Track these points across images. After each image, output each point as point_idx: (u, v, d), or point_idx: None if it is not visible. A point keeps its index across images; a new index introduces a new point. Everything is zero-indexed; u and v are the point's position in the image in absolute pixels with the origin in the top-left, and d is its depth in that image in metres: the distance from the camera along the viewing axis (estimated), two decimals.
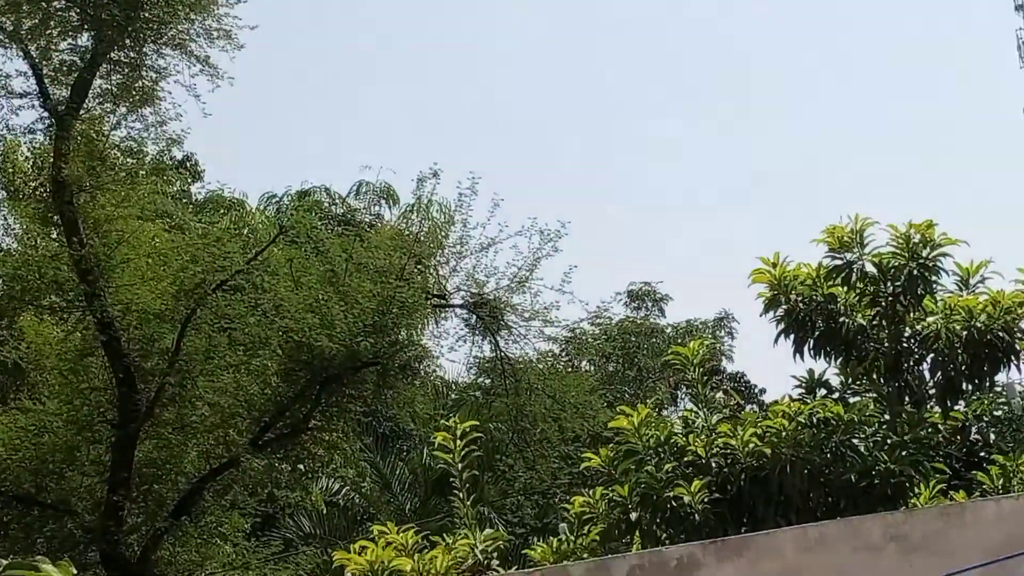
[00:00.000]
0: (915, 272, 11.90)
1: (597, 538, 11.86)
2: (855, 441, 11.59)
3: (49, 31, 23.36)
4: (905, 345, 12.16)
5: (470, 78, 63.50)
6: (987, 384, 12.14)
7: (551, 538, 12.57)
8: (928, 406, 12.31)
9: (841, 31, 66.46)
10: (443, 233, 27.33)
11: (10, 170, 27.02)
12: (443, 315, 28.81)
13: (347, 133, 60.10)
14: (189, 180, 35.47)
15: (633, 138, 63.91)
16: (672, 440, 11.85)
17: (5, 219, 30.67)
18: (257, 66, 55.89)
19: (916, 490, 11.33)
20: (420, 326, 28.15)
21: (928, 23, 65.18)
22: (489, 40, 63.67)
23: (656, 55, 66.22)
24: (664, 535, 11.40)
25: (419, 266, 26.60)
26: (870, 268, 12.10)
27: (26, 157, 26.94)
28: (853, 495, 11.33)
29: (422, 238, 27.30)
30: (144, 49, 23.27)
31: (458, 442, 12.13)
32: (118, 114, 24.10)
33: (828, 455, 11.49)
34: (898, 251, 11.98)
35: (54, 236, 25.83)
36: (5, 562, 5.42)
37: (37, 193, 25.63)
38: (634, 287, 47.34)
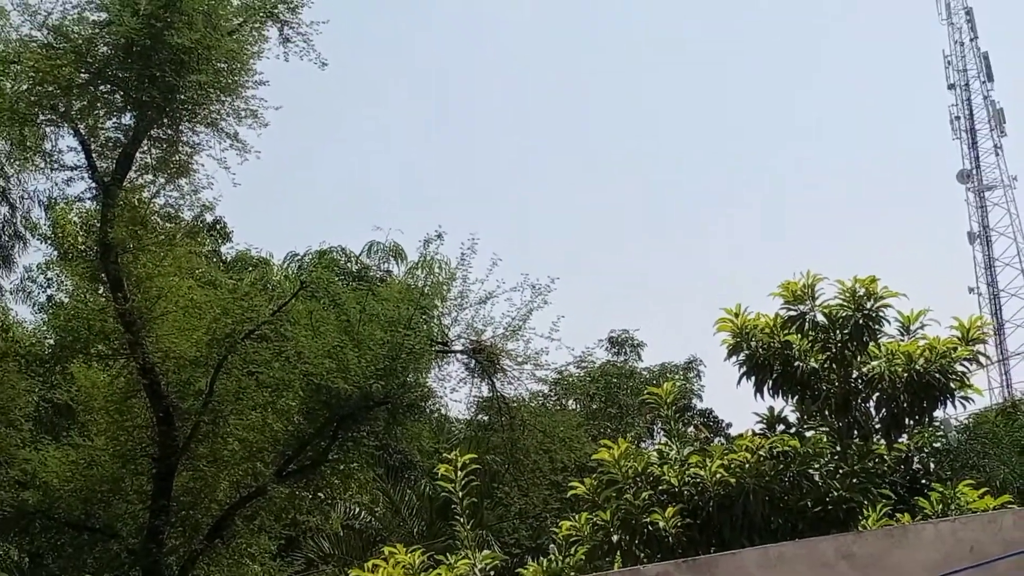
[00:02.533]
0: (860, 321, 11.90)
1: (583, 558, 11.81)
2: (810, 471, 11.57)
3: (96, 111, 23.48)
4: (853, 385, 12.13)
5: (469, 146, 63.71)
6: (926, 420, 12.11)
7: (542, 558, 12.54)
8: (875, 439, 12.30)
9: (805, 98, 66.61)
10: (446, 287, 27.35)
11: (61, 234, 27.08)
12: (446, 360, 28.74)
13: (361, 198, 60.30)
14: (219, 241, 35.51)
15: (610, 201, 64.05)
16: (649, 471, 11.82)
17: (58, 277, 30.75)
18: (281, 139, 56.13)
19: (865, 514, 11.33)
20: (425, 370, 28.11)
21: (869, 102, 65.64)
22: (483, 112, 63.82)
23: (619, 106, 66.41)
24: (642, 555, 11.37)
25: (424, 316, 26.61)
26: (821, 318, 12.10)
27: (75, 222, 27.00)
28: (809, 519, 11.31)
29: (427, 291, 27.31)
30: (180, 127, 23.36)
31: (459, 472, 12.11)
32: (157, 184, 24.22)
33: (787, 484, 11.47)
34: (845, 303, 12.00)
35: (101, 292, 25.86)
36: None
37: (85, 254, 25.69)
38: (614, 334, 47.31)
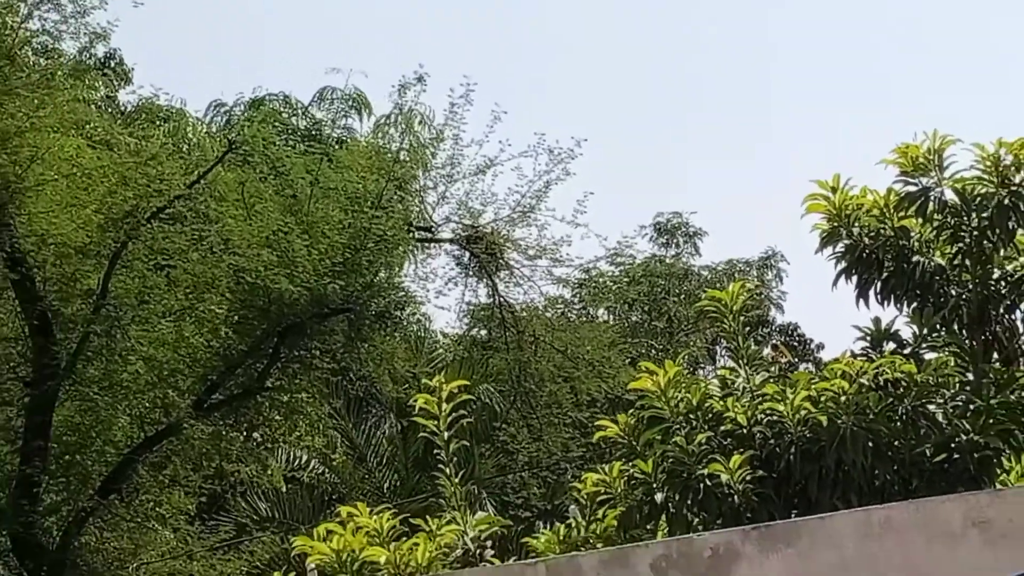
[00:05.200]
0: (1006, 201, 11.84)
1: (614, 523, 11.87)
2: (931, 407, 11.57)
3: None
4: (993, 289, 12.14)
5: None
6: None
7: (558, 524, 12.60)
8: (1021, 364, 12.31)
9: None
10: (429, 151, 27.34)
11: None
12: (429, 252, 28.84)
13: (311, 28, 59.92)
14: (116, 84, 35.36)
15: (662, 36, 63.67)
16: (707, 405, 11.82)
17: None
18: None
19: (1006, 466, 11.35)
20: (401, 265, 28.19)
21: None
22: None
23: None
24: (696, 520, 11.42)
25: (399, 191, 26.63)
26: (951, 196, 12.07)
27: None
28: (928, 472, 11.33)
29: (403, 157, 27.29)
30: None
31: (445, 406, 12.13)
32: (29, 2, 24.05)
33: (897, 424, 11.48)
34: (985, 175, 11.95)
35: None
36: None
37: None
38: (662, 219, 47.34)
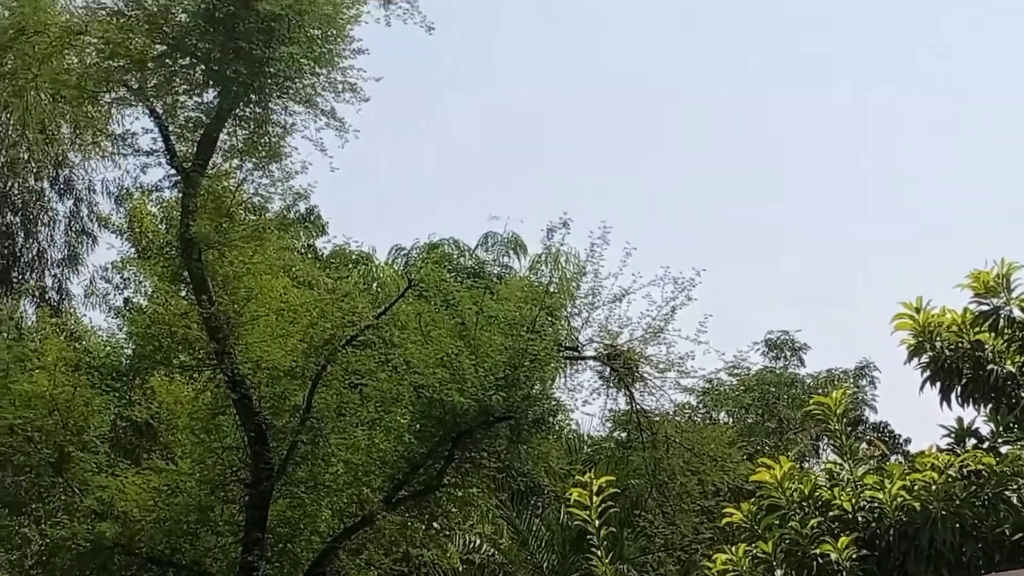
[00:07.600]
0: None
1: None
2: (1008, 493, 11.38)
3: (174, 88, 23.82)
4: None
5: (595, 122, 63.25)
6: None
7: None
8: None
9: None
10: (574, 284, 27.31)
11: (138, 228, 27.52)
12: (576, 368, 28.77)
13: (473, 183, 60.45)
14: (314, 234, 35.85)
15: (769, 185, 63.50)
16: (816, 494, 11.68)
17: (135, 277, 31.28)
18: (380, 116, 56.36)
19: None
20: (553, 379, 28.12)
21: None
22: (610, 82, 63.31)
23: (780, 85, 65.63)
24: None
25: (550, 318, 26.60)
26: (1018, 313, 11.94)
27: (153, 215, 27.42)
28: (1008, 548, 11.12)
29: (553, 289, 27.29)
30: (270, 104, 23.61)
31: (595, 498, 12.08)
32: (244, 170, 24.48)
33: (980, 508, 11.27)
34: None
35: (183, 294, 26.21)
36: None
37: (165, 250, 26.07)
38: (772, 336, 46.99)
